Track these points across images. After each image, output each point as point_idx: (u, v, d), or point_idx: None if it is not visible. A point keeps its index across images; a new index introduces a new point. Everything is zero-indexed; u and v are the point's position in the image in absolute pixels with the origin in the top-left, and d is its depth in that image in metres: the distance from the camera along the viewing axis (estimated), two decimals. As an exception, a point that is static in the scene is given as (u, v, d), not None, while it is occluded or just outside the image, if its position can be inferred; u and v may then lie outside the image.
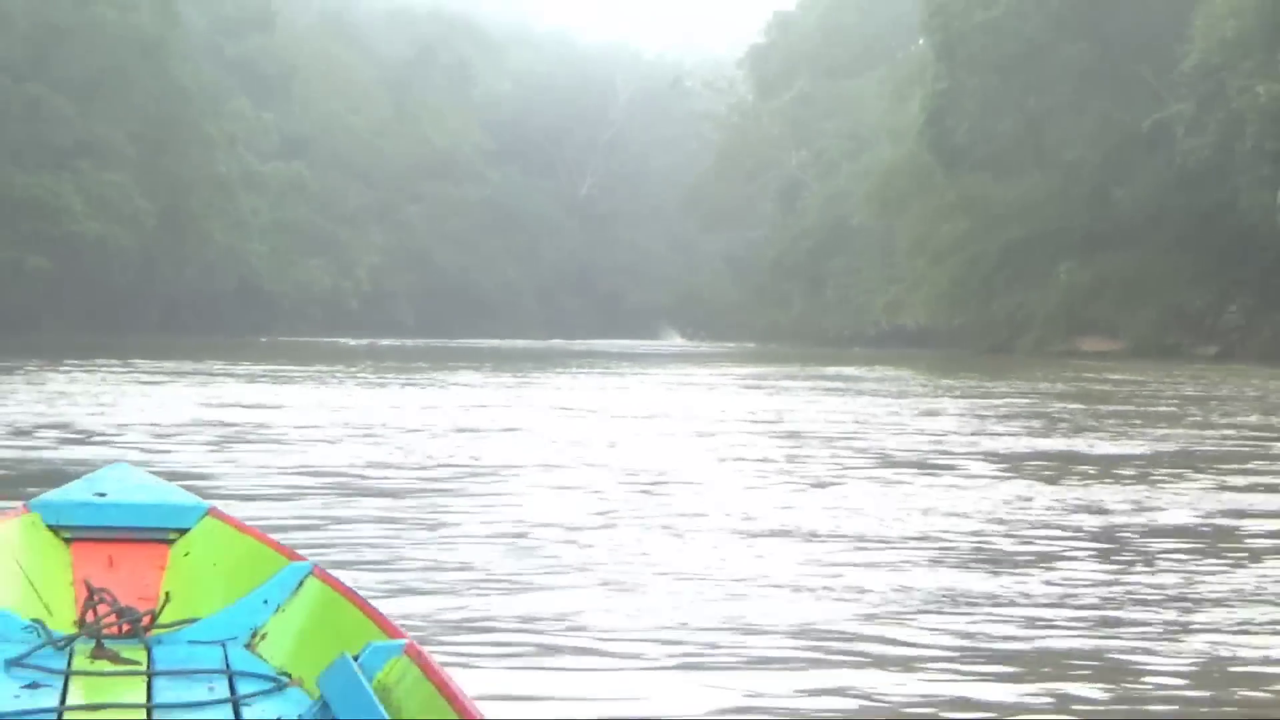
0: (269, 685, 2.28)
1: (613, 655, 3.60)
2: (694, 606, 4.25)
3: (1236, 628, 4.18)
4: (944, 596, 4.44)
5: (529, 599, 4.38)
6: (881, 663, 3.61)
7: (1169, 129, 37.37)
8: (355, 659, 1.90)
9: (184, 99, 47.67)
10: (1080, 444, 11.90)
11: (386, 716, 1.72)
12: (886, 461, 9.95)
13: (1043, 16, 41.22)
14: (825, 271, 54.75)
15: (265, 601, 2.64)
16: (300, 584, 2.64)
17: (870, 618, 4.19)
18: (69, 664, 2.28)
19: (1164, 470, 9.11)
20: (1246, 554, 5.70)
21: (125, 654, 2.34)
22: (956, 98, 42.92)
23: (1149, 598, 4.60)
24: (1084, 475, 9.04)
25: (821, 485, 8.20)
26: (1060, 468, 9.47)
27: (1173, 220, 38.57)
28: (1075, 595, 4.54)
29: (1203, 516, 6.76)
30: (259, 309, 52.52)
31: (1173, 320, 38.73)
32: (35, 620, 2.44)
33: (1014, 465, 9.67)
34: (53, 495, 2.88)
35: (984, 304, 42.78)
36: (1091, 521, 6.47)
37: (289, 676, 2.31)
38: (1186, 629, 4.13)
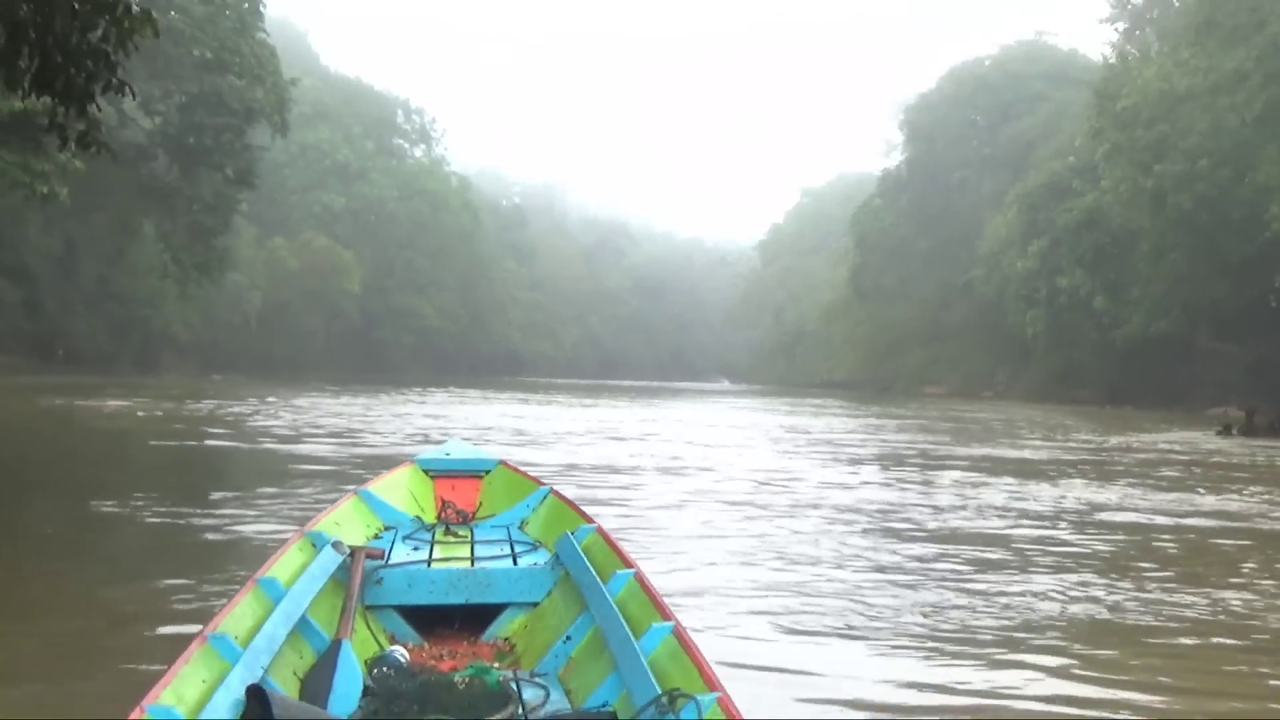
0: (529, 547, 3.74)
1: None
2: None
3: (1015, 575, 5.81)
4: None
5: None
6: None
7: (974, 282, 57.70)
8: (572, 534, 3.32)
9: (481, 260, 75.69)
10: (926, 440, 18.33)
11: (588, 564, 3.03)
12: (833, 447, 15.75)
13: (908, 225, 65.07)
14: (798, 349, 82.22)
15: (528, 506, 4.28)
16: (544, 498, 4.27)
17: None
18: (432, 537, 3.80)
19: (980, 457, 14.19)
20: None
21: (459, 532, 3.98)
22: (864, 266, 66.90)
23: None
24: (927, 457, 14.08)
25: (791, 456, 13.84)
26: (914, 457, 14.20)
27: (972, 328, 58.47)
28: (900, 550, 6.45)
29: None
30: (517, 365, 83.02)
31: (972, 376, 57.17)
32: (416, 516, 4.11)
33: (888, 455, 15.06)
34: (424, 453, 4.87)
35: (877, 367, 66.80)
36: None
37: (539, 543, 3.77)
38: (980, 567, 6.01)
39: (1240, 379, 34.83)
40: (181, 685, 2.14)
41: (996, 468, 12.48)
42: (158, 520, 6.68)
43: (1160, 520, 8.37)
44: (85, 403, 19.61)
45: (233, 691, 2.19)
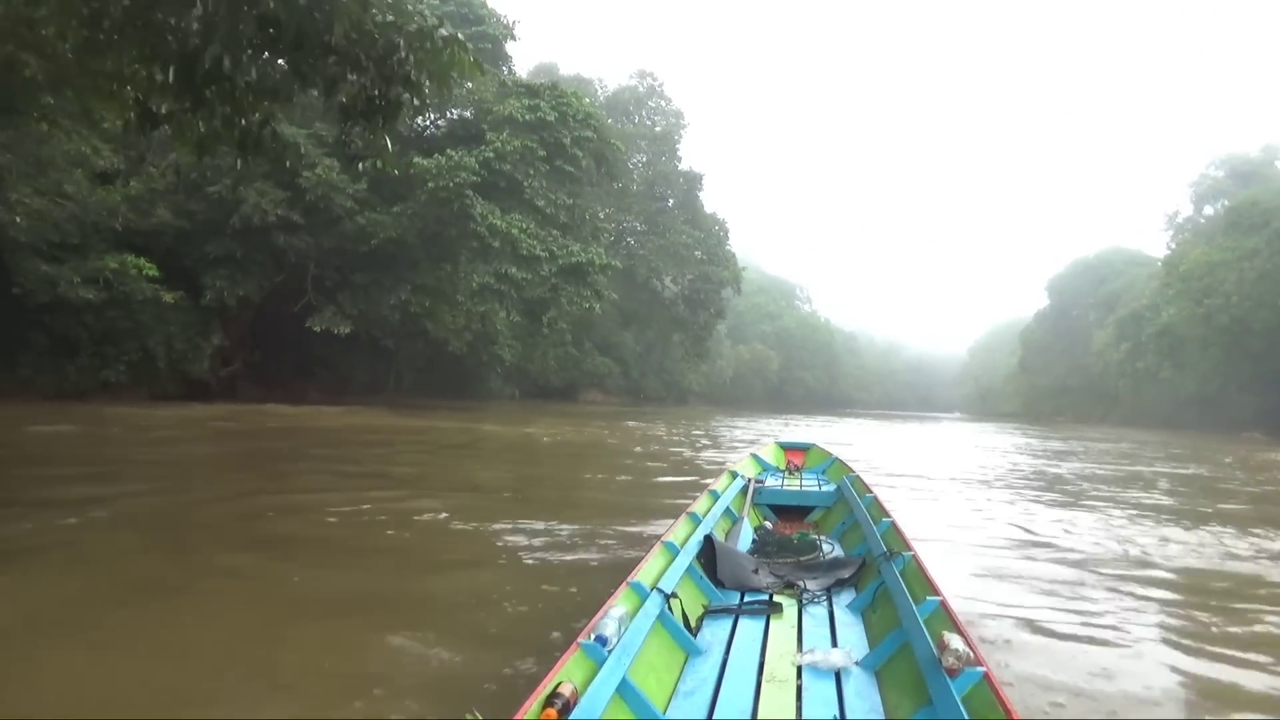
0: (827, 481, 6.27)
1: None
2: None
3: None
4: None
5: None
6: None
7: (1086, 365, 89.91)
8: (846, 477, 5.87)
9: (832, 352, 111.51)
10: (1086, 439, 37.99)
11: (854, 490, 5.32)
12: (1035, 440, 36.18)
13: (1049, 336, 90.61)
14: (989, 397, 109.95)
15: (827, 463, 7.16)
16: (834, 460, 7.01)
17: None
18: (784, 475, 6.83)
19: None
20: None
21: (795, 474, 6.88)
22: (1025, 357, 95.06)
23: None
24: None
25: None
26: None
27: (1084, 389, 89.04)
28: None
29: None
30: (850, 402, 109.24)
31: (1081, 414, 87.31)
32: (777, 466, 7.21)
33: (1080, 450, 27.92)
34: (781, 438, 8.08)
35: (1032, 406, 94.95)
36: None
37: (831, 479, 6.34)
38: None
39: (1253, 415, 48.81)
40: (675, 534, 3.82)
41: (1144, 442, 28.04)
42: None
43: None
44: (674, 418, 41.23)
45: (697, 540, 3.79)
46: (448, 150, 24.47)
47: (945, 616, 2.76)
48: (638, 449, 14.65)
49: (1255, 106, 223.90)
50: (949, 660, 2.29)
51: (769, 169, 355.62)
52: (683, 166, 58.15)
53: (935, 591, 2.99)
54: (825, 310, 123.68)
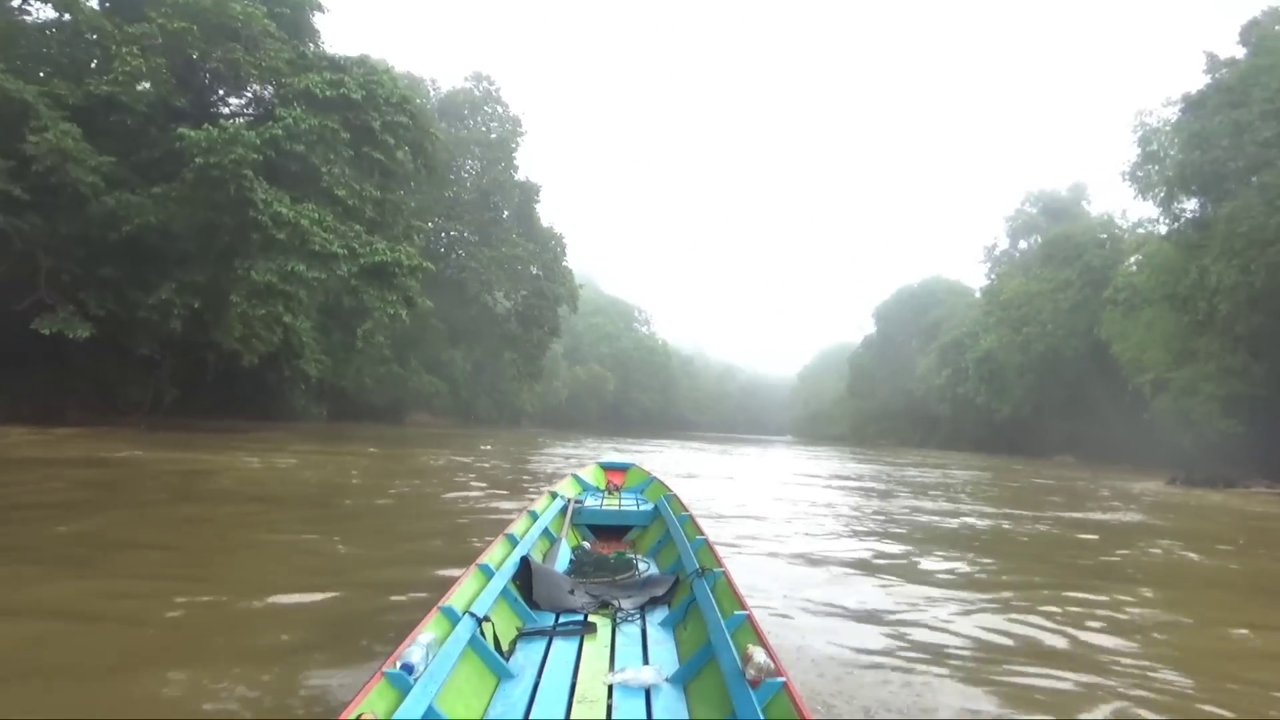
0: (645, 500, 6.38)
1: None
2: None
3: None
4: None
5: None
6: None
7: (910, 390, 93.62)
8: (665, 496, 5.96)
9: (669, 374, 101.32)
10: (895, 463, 42.88)
11: (671, 510, 5.37)
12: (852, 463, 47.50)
13: (876, 363, 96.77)
14: (818, 420, 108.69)
15: (645, 483, 7.16)
16: (651, 480, 7.09)
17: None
18: (604, 495, 6.81)
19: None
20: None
21: (614, 494, 6.98)
22: (853, 383, 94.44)
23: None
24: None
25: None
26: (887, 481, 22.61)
27: (906, 413, 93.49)
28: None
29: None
30: (688, 423, 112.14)
31: (903, 438, 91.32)
32: (597, 486, 7.26)
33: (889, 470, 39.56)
34: (602, 459, 8.11)
35: (858, 430, 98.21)
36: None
37: (649, 499, 6.39)
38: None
39: (1064, 440, 50.58)
40: (491, 556, 3.84)
41: (931, 461, 30.47)
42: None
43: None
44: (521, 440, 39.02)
45: (513, 562, 3.88)
46: (220, 121, 20.12)
47: (750, 630, 2.79)
48: (381, 499, 10.31)
49: (1065, 147, 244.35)
50: (751, 672, 2.34)
51: (610, 188, 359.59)
52: (519, 176, 54.83)
53: (742, 606, 3.02)
54: (663, 332, 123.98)
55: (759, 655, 2.39)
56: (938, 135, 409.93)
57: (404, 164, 25.59)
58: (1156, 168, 40.96)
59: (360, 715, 2.07)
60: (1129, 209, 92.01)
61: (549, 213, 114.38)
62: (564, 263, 54.46)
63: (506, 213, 54.61)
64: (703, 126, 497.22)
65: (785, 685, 2.31)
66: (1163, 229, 37.83)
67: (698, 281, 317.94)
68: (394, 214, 24.74)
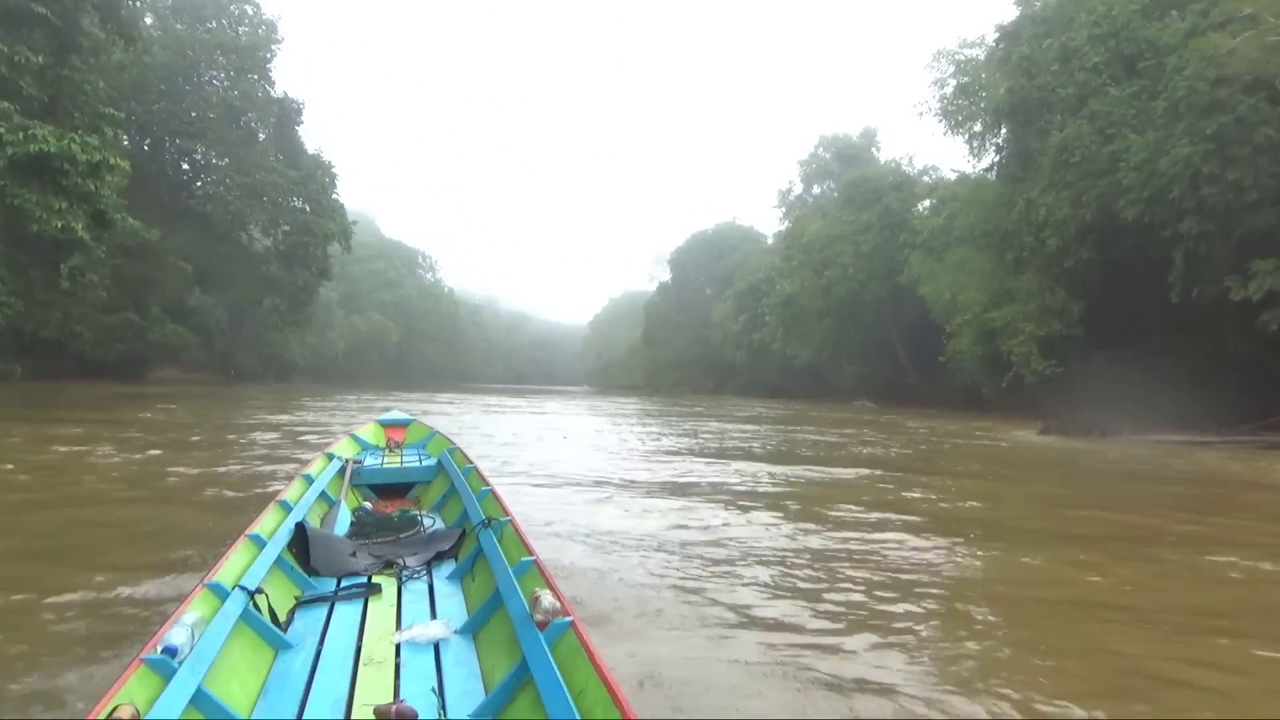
0: (428, 456, 6.20)
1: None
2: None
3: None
4: None
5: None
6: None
7: (708, 338, 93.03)
8: (448, 450, 5.81)
9: (457, 324, 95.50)
10: (699, 407, 44.84)
11: (455, 464, 5.29)
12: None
13: (673, 310, 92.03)
14: (610, 370, 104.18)
15: (427, 438, 6.86)
16: (433, 435, 6.90)
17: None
18: (384, 453, 6.65)
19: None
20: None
21: (396, 451, 6.84)
22: (648, 331, 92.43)
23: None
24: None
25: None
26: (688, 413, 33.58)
27: (704, 360, 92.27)
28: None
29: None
30: (473, 377, 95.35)
31: (699, 386, 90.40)
32: (377, 444, 6.92)
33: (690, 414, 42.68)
34: (382, 416, 7.67)
35: (653, 379, 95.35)
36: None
37: (431, 454, 6.23)
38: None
39: (859, 385, 50.66)
40: (262, 525, 3.55)
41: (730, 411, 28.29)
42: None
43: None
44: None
45: (288, 529, 3.60)
46: None
47: (538, 575, 2.73)
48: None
49: (856, 92, 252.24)
50: (539, 615, 2.30)
51: (390, 123, 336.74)
52: (276, 93, 46.23)
53: (530, 552, 2.96)
54: (451, 279, 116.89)
55: (546, 598, 2.34)
56: (732, 81, 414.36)
57: (90, 34, 18.41)
58: (970, 101, 39.53)
59: (116, 708, 1.79)
60: (916, 155, 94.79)
61: (316, 140, 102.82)
62: (334, 195, 46.85)
63: (263, 135, 46.15)
64: (491, 67, 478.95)
65: (573, 624, 2.26)
66: (976, 166, 36.01)
67: (487, 226, 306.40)
68: (75, 95, 17.58)
